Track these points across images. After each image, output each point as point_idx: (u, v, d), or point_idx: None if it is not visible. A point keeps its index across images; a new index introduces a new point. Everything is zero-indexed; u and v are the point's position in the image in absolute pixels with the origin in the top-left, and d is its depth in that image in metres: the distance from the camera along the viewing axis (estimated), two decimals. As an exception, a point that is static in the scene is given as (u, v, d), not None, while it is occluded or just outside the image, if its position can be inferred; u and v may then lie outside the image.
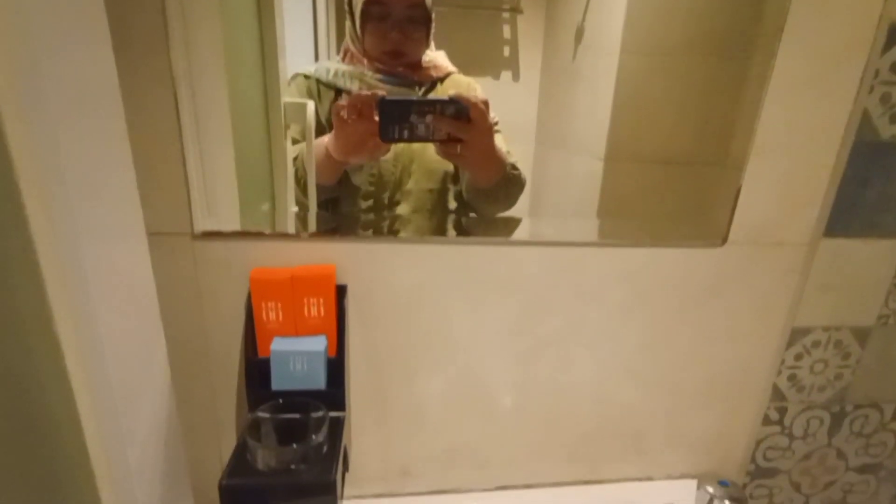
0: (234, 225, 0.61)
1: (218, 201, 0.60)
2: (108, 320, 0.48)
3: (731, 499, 0.67)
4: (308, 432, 0.56)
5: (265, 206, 0.65)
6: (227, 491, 0.52)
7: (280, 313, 0.61)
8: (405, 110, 0.61)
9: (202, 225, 0.60)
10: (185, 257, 0.60)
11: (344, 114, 0.63)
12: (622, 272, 0.69)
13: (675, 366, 0.76)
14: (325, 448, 0.57)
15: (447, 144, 0.63)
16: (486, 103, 0.63)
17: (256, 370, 0.62)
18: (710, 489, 0.69)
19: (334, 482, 0.53)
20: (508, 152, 0.71)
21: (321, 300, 0.62)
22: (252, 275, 0.60)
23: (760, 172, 0.67)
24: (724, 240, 0.70)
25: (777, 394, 0.82)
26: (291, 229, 0.62)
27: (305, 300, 0.61)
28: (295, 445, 0.54)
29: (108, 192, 0.50)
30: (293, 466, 0.54)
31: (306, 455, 0.54)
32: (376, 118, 0.61)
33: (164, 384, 0.61)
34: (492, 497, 0.80)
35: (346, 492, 0.76)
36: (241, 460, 0.55)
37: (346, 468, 0.69)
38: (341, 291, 0.63)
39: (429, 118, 0.60)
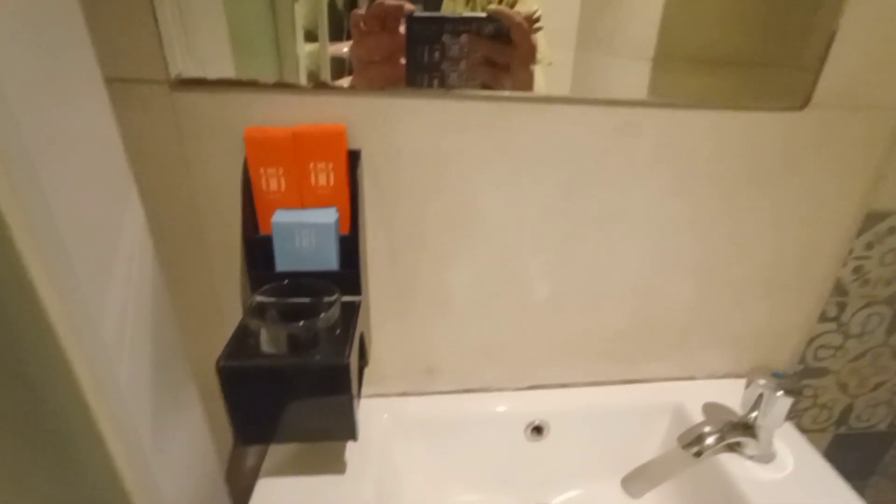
0: (224, 72, 0.50)
1: (201, 42, 0.49)
2: (63, 195, 0.38)
3: (785, 390, 0.60)
4: (318, 314, 0.48)
5: (262, 50, 0.53)
6: (226, 373, 0.44)
7: (282, 181, 0.52)
8: (437, 29, 0.49)
9: (180, 70, 0.48)
10: (163, 111, 0.50)
11: (363, 25, 0.50)
12: (679, 140, 0.59)
13: (730, 253, 0.67)
14: (337, 331, 0.49)
15: (484, 69, 0.52)
16: (530, 20, 0.50)
17: (258, 249, 0.53)
18: (762, 381, 0.61)
19: (347, 365, 0.45)
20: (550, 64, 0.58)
21: (330, 166, 0.52)
22: (247, 134, 0.50)
23: (860, 15, 0.55)
24: (806, 102, 0.58)
25: (839, 288, 0.73)
26: (294, 79, 0.51)
27: (312, 165, 0.51)
28: (302, 323, 0.46)
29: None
30: (300, 349, 0.46)
31: (316, 337, 0.46)
32: (402, 31, 0.49)
33: (145, 266, 0.52)
34: (523, 396, 0.74)
35: (366, 390, 0.70)
36: (241, 342, 0.47)
37: (364, 362, 0.62)
38: (354, 158, 0.53)
39: (464, 38, 0.49)
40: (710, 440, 0.62)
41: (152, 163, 0.52)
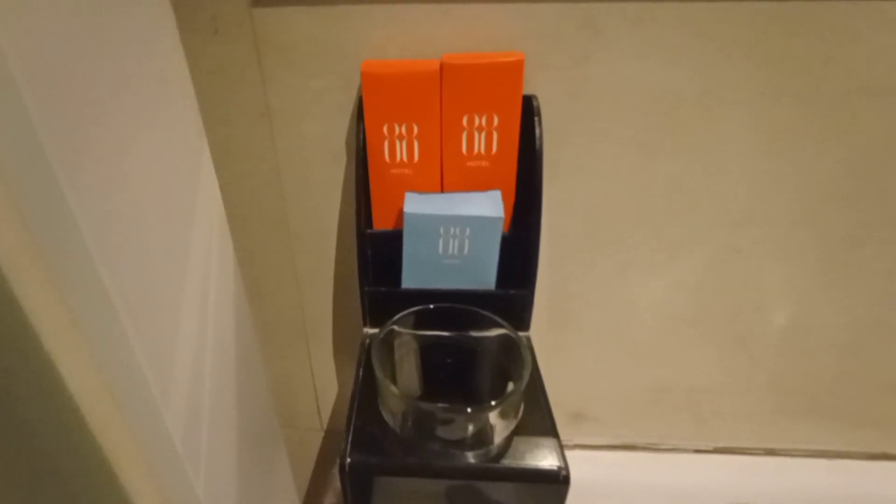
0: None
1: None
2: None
3: None
4: (485, 367, 0.28)
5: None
6: (355, 472, 0.25)
7: (416, 147, 0.32)
8: None
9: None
10: (239, 37, 0.31)
11: None
12: None
13: None
14: (521, 407, 0.29)
15: None
16: None
17: (373, 251, 0.34)
18: None
19: (567, 478, 0.26)
20: None
21: (495, 122, 0.32)
22: (365, 69, 0.30)
23: None
24: None
25: None
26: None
27: (465, 120, 0.31)
28: (470, 410, 0.26)
29: None
30: (478, 443, 0.26)
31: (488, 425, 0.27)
32: None
33: (226, 281, 0.34)
34: (704, 463, 0.52)
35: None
36: (367, 419, 0.28)
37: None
38: (528, 108, 0.33)
39: None
40: None
41: (221, 115, 0.33)
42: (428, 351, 0.33)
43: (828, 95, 0.35)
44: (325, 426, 0.55)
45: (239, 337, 0.39)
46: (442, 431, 0.27)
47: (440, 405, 0.27)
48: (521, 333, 0.35)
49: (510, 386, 0.30)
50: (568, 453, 0.50)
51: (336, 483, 0.59)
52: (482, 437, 0.27)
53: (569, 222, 0.40)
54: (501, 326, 0.31)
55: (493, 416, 0.27)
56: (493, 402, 0.27)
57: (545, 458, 0.27)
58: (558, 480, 0.26)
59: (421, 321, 0.32)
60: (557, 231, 0.40)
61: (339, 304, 0.44)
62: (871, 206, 0.39)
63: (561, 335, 0.46)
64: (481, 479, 0.27)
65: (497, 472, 0.27)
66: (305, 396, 0.51)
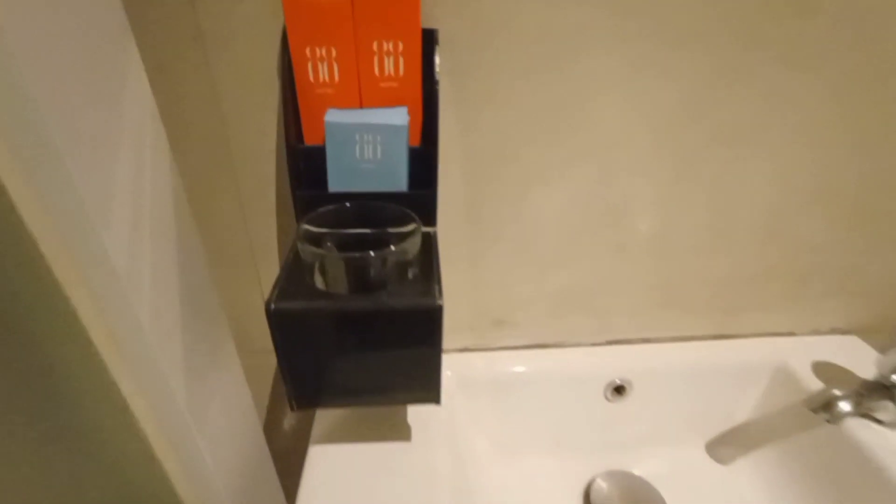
0: None
1: None
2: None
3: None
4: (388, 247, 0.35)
5: None
6: (278, 318, 0.32)
7: (335, 69, 0.38)
8: None
9: None
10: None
11: None
12: (868, 16, 0.44)
13: (880, 182, 0.54)
14: (415, 270, 0.37)
15: None
16: None
17: (303, 162, 0.40)
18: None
19: (440, 308, 0.34)
20: None
21: (400, 47, 0.38)
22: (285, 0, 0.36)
23: None
24: None
25: None
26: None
27: (375, 46, 0.38)
28: (374, 253, 0.33)
29: None
30: (370, 288, 0.34)
31: (387, 274, 0.34)
32: None
33: (160, 167, 0.39)
34: (602, 352, 0.63)
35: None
36: (294, 279, 0.35)
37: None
38: (429, 39, 0.39)
39: None
40: (844, 405, 0.51)
41: (158, 37, 0.38)
42: (346, 243, 0.39)
43: (674, 35, 0.43)
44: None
45: (188, 265, 0.44)
46: (348, 281, 0.34)
47: (345, 254, 0.34)
48: (430, 229, 0.42)
49: (412, 273, 0.37)
50: (492, 354, 0.60)
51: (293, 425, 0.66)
52: (379, 282, 0.35)
53: (478, 140, 0.46)
54: (410, 219, 0.38)
55: (390, 266, 0.34)
56: (391, 247, 0.34)
57: (426, 296, 0.35)
58: (434, 308, 0.34)
59: (340, 218, 0.39)
60: (470, 148, 0.47)
61: (283, 226, 0.50)
62: (712, 129, 0.48)
63: (479, 248, 0.53)
64: (377, 316, 0.35)
65: (389, 308, 0.34)
66: (257, 318, 0.56)
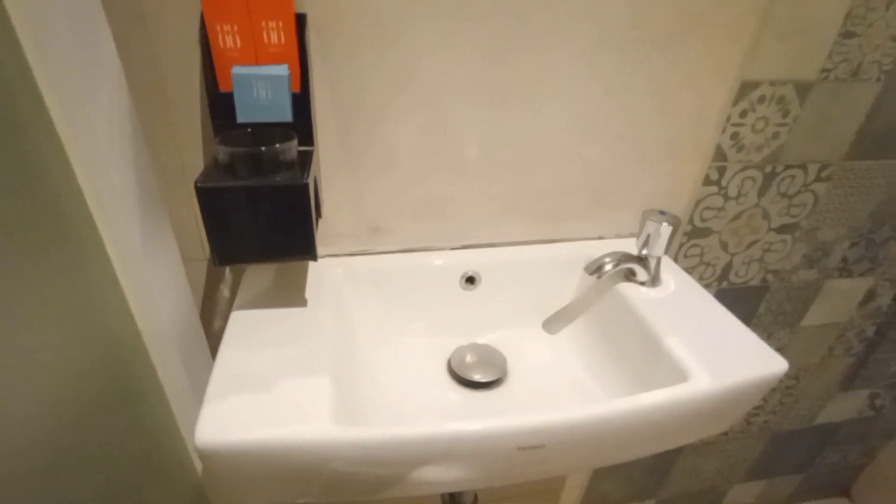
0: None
1: None
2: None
3: (667, 222, 0.74)
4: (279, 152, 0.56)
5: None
6: (203, 193, 0.52)
7: (238, 39, 0.58)
8: None
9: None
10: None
11: None
12: (592, 5, 0.68)
13: (635, 117, 0.78)
14: (297, 169, 0.57)
15: None
16: None
17: (220, 104, 0.59)
18: (652, 217, 0.75)
19: (306, 185, 0.54)
20: None
21: (280, 24, 0.58)
22: (201, -10, 0.55)
23: None
24: (690, -21, 0.69)
25: (719, 153, 0.87)
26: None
27: (264, 24, 0.57)
28: (265, 148, 0.53)
29: None
30: (265, 173, 0.55)
31: (279, 165, 0.55)
32: None
33: (123, 96, 0.57)
34: (458, 253, 0.84)
35: (320, 250, 0.78)
36: (214, 171, 0.55)
37: (319, 213, 0.70)
38: (301, 20, 0.59)
39: None
40: (608, 266, 0.75)
41: (115, 16, 0.56)
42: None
43: (476, 10, 0.65)
44: (207, 255, 0.79)
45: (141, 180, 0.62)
46: (247, 168, 0.54)
47: (244, 148, 0.54)
48: (309, 147, 0.63)
49: (292, 169, 0.58)
50: (371, 258, 0.80)
51: (222, 307, 0.85)
52: (269, 171, 0.55)
53: (341, 87, 0.66)
54: (290, 135, 0.58)
55: (275, 159, 0.55)
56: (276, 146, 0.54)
57: (297, 179, 0.55)
58: (301, 185, 0.54)
59: (244, 137, 0.58)
60: (337, 93, 0.66)
61: (206, 151, 0.67)
62: (512, 79, 0.71)
63: (354, 169, 0.73)
64: (265, 189, 0.54)
65: (272, 184, 0.55)
66: (190, 228, 0.75)
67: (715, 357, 0.66)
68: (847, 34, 0.78)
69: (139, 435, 0.62)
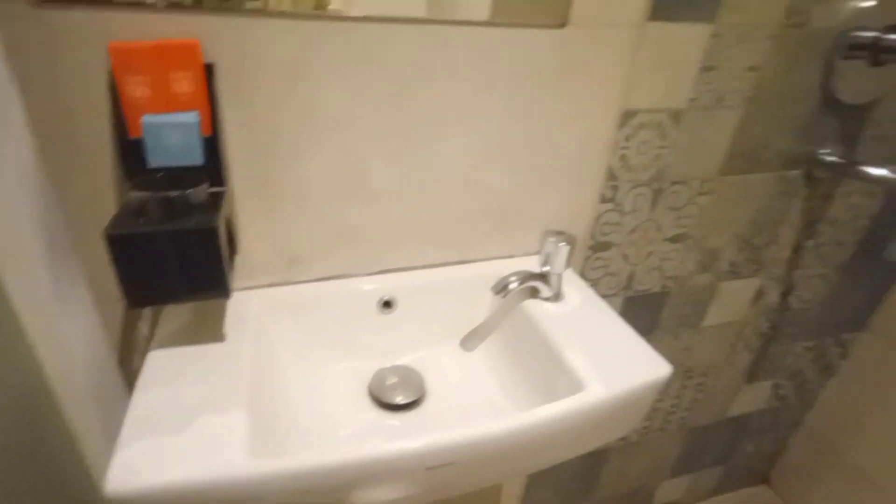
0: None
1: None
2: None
3: (564, 240, 0.81)
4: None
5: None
6: (112, 240, 0.54)
7: (147, 89, 0.61)
8: None
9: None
10: (30, 26, 0.57)
11: None
12: (482, 50, 0.75)
13: (531, 145, 0.85)
14: (209, 211, 0.60)
15: None
16: None
17: (131, 151, 0.62)
18: (551, 238, 0.82)
19: (216, 227, 0.57)
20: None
21: (189, 74, 0.62)
22: (111, 46, 0.59)
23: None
24: (565, 22, 0.77)
25: (611, 173, 0.96)
26: None
27: (172, 74, 0.61)
28: (177, 193, 0.57)
29: None
30: (176, 217, 0.58)
31: (190, 208, 0.58)
32: None
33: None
34: (375, 279, 0.88)
35: (238, 283, 0.81)
36: (124, 216, 0.57)
37: (234, 249, 0.73)
38: (210, 69, 0.63)
39: None
40: (513, 284, 0.82)
41: (25, 74, 0.59)
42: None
43: (363, 56, 0.71)
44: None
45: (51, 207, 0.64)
46: (159, 213, 0.57)
47: (156, 194, 0.57)
48: (221, 188, 0.66)
49: (204, 212, 0.61)
50: (289, 287, 0.83)
51: (142, 346, 0.85)
52: (180, 215, 0.58)
53: (251, 129, 0.69)
54: (202, 179, 0.62)
55: (187, 203, 0.58)
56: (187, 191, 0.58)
57: (208, 222, 0.59)
58: (211, 228, 0.58)
59: (156, 181, 0.61)
60: (246, 134, 0.70)
61: (119, 196, 0.69)
62: (419, 111, 0.76)
63: (270, 203, 0.75)
64: (177, 233, 0.57)
65: (182, 227, 0.58)
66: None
67: (608, 366, 0.73)
68: (706, 68, 0.90)
69: (50, 489, 0.62)
